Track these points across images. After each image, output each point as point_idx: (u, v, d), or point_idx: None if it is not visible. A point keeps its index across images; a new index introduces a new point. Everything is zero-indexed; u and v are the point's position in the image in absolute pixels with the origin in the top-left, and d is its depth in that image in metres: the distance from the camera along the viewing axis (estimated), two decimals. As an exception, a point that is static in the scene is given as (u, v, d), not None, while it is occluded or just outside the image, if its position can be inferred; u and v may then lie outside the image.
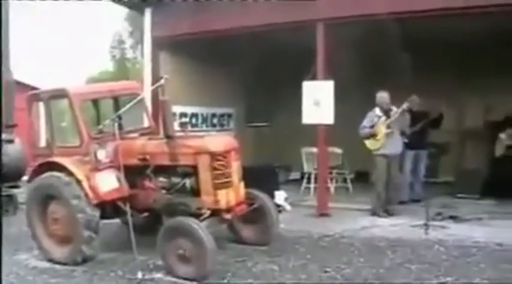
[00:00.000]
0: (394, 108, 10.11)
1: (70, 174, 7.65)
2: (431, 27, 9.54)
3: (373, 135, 10.26)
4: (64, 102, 8.29)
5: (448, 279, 6.66)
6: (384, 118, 10.19)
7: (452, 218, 9.78)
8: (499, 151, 10.21)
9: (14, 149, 11.42)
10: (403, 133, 10.44)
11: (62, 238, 7.75)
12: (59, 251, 7.74)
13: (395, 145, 10.34)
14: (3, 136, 10.96)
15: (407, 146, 11.30)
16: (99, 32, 53.92)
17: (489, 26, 10.23)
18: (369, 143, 10.33)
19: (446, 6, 9.18)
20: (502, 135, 10.04)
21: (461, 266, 7.15)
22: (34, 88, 11.51)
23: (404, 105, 10.01)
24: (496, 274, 6.78)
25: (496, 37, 10.84)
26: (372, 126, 10.27)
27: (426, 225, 9.00)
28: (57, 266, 7.55)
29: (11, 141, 11.45)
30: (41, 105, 8.55)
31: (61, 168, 7.73)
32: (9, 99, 11.66)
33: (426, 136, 11.58)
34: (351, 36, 10.53)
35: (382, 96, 10.34)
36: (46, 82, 16.21)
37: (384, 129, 10.16)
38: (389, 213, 10.27)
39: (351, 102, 10.42)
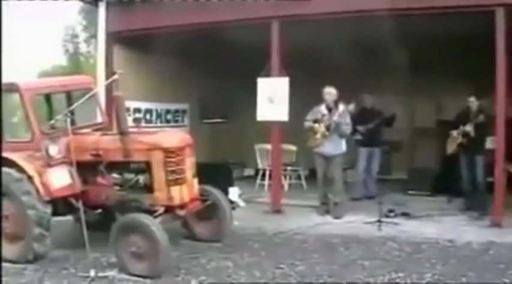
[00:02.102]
0: (341, 106, 9.86)
1: (21, 169, 7.50)
2: (383, 27, 9.62)
3: (313, 132, 10.04)
4: (15, 97, 8.12)
5: (400, 274, 6.75)
6: (326, 117, 9.91)
7: (405, 215, 9.92)
8: (450, 149, 10.37)
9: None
10: (342, 136, 10.04)
11: (12, 236, 7.56)
12: (10, 249, 7.55)
13: (334, 146, 10.02)
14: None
15: (361, 144, 11.43)
16: (52, 25, 52.97)
17: (441, 26, 10.37)
18: (309, 140, 10.16)
19: (391, 7, 9.29)
20: (454, 133, 10.18)
21: (413, 262, 7.26)
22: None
23: (341, 112, 9.80)
24: (446, 270, 6.90)
25: (448, 38, 10.99)
26: (315, 121, 10.03)
27: (379, 222, 9.13)
28: (8, 265, 7.37)
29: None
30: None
31: (12, 163, 7.56)
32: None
33: (380, 134, 11.74)
34: (307, 34, 10.58)
35: (330, 92, 10.05)
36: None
37: (323, 128, 9.92)
38: (335, 215, 10.05)
39: (306, 99, 10.42)
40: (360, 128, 11.20)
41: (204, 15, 10.66)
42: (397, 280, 6.60)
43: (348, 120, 10.01)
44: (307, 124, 10.10)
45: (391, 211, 9.92)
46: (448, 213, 10.10)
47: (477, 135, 9.78)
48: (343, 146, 10.18)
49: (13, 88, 7.88)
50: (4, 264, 7.35)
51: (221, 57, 12.98)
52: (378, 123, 11.44)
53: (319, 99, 10.13)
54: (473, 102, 9.93)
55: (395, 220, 9.52)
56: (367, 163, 11.67)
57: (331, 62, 11.60)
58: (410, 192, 12.01)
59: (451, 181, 11.01)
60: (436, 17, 9.53)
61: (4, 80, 7.99)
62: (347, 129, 10.02)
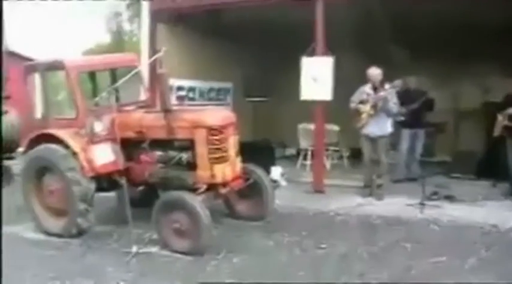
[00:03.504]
0: (387, 86, 9.56)
1: (66, 146, 7.62)
2: (431, 9, 9.48)
3: (358, 113, 9.85)
4: (60, 74, 8.21)
5: (442, 258, 6.68)
6: (372, 96, 9.70)
7: (448, 198, 9.77)
8: (497, 131, 10.15)
9: (9, 120, 11.33)
10: (389, 115, 9.84)
11: (57, 211, 7.75)
12: (54, 224, 7.75)
13: (380, 126, 9.82)
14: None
15: (405, 125, 11.26)
16: (95, 3, 53.48)
17: (489, 8, 10.16)
18: (354, 120, 9.95)
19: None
20: (500, 116, 9.97)
21: (455, 246, 7.18)
22: (29, 59, 11.31)
23: (388, 90, 9.52)
24: (490, 255, 6.82)
25: (496, 19, 10.77)
26: (361, 102, 9.84)
27: (422, 204, 9.03)
28: (52, 239, 7.55)
29: (4, 112, 11.30)
30: (37, 77, 8.45)
31: (57, 140, 7.68)
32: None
33: (423, 116, 11.55)
34: (351, 14, 10.47)
35: (374, 72, 9.80)
36: (42, 54, 16.01)
37: (368, 108, 9.74)
38: (376, 197, 9.91)
39: (350, 79, 10.31)
40: (404, 109, 11.02)
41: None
42: (439, 265, 6.54)
43: (395, 99, 9.79)
44: (353, 105, 9.91)
45: (434, 193, 9.78)
46: (493, 198, 9.89)
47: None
48: (388, 127, 9.97)
49: (59, 65, 7.97)
50: (49, 238, 7.56)
51: (265, 36, 12.91)
52: (421, 103, 11.24)
53: (363, 79, 10.00)
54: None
55: (438, 203, 9.39)
56: (410, 144, 11.51)
57: (377, 43, 11.46)
58: (454, 175, 11.81)
59: (496, 165, 10.80)
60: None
61: (50, 57, 8.09)
62: (394, 107, 9.78)
